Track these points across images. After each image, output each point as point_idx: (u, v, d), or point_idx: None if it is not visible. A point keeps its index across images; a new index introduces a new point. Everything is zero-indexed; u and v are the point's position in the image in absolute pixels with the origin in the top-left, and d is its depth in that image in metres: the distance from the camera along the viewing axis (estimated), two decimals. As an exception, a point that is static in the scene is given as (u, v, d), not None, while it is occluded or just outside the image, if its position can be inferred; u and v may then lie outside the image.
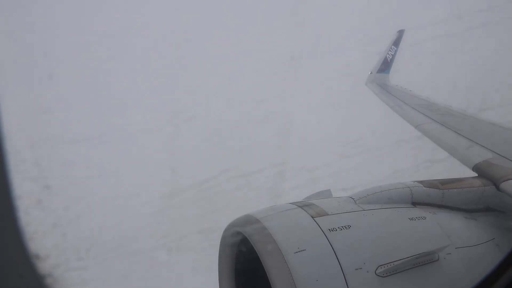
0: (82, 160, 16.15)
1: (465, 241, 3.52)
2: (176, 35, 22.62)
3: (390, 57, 11.95)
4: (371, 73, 11.71)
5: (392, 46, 12.13)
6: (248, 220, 3.34)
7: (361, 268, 3.02)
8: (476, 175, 4.41)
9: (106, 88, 20.47)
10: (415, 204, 3.80)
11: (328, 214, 3.36)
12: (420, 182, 4.00)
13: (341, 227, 3.24)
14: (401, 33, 12.33)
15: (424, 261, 3.19)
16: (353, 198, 3.71)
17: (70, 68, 19.68)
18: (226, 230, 3.50)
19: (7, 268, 2.23)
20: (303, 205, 3.49)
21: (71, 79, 19.47)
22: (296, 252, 2.99)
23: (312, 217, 3.31)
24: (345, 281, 2.94)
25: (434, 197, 3.90)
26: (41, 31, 19.10)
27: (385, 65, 11.79)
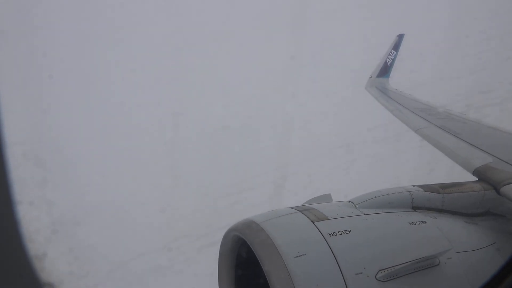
0: (82, 160, 16.15)
1: (465, 246, 3.51)
2: (176, 37, 22.69)
3: (390, 61, 11.98)
4: (371, 77, 11.74)
5: (392, 50, 12.17)
6: (248, 224, 3.32)
7: (361, 273, 3.00)
8: (477, 179, 4.40)
9: (109, 89, 20.50)
10: (415, 208, 3.80)
11: (328, 219, 3.35)
12: (420, 186, 3.99)
13: (341, 232, 3.23)
14: (400, 37, 12.38)
15: (425, 265, 3.18)
16: (353, 203, 3.71)
17: (70, 68, 19.72)
18: (225, 235, 3.49)
19: (6, 269, 2.22)
20: (303, 210, 3.48)
21: (70, 80, 19.51)
22: (296, 256, 2.98)
23: (312, 221, 3.30)
24: (345, 285, 2.93)
25: (434, 202, 3.89)
26: (40, 31, 19.15)
27: (385, 69, 11.82)
